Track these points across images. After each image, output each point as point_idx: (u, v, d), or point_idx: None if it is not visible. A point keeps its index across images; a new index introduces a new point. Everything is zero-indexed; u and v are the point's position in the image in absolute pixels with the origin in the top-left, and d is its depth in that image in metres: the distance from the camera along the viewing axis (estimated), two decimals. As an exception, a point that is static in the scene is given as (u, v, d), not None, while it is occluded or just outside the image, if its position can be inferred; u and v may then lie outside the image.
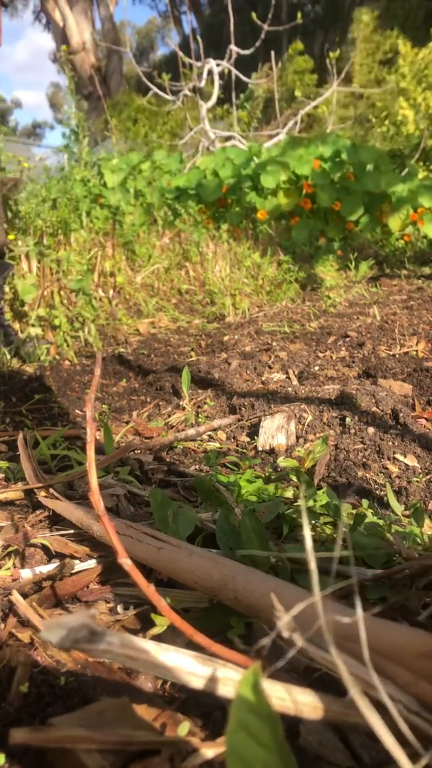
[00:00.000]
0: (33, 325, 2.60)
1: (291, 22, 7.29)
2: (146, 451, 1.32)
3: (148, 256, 3.61)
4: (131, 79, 17.50)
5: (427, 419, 1.39)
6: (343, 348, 1.99)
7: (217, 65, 6.88)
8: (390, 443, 1.25)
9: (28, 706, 0.53)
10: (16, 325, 2.64)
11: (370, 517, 0.90)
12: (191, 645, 0.51)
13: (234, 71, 6.96)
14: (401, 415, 1.35)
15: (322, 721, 0.43)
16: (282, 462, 1.19)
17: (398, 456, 1.21)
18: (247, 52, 6.95)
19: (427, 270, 3.96)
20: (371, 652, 0.44)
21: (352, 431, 1.31)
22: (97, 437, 1.34)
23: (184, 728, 0.49)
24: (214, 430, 1.43)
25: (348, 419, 1.35)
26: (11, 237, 2.82)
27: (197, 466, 1.24)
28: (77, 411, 1.66)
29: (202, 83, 6.91)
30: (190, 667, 0.44)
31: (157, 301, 3.19)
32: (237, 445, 1.37)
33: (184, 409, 1.59)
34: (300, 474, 0.96)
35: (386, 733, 0.35)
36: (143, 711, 0.51)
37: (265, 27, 7.00)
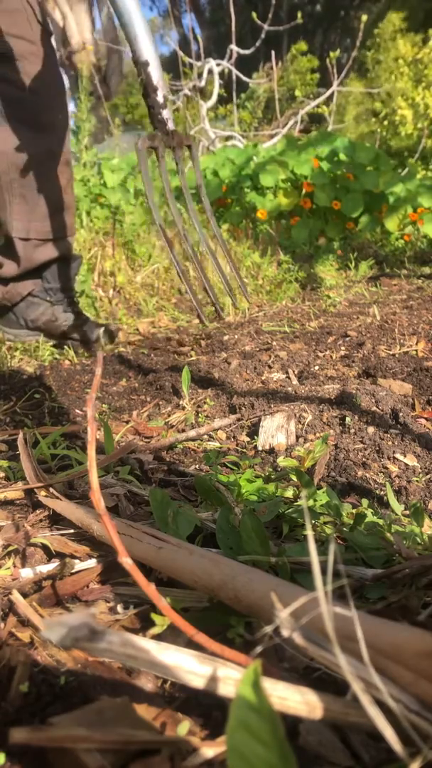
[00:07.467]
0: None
1: (291, 22, 7.30)
2: (146, 450, 1.32)
3: (148, 255, 3.61)
4: (132, 79, 17.49)
5: (426, 419, 1.39)
6: (343, 347, 1.99)
7: (218, 65, 6.88)
8: (390, 443, 1.25)
9: (28, 706, 0.53)
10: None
11: (370, 517, 0.90)
12: (191, 644, 0.51)
13: (234, 71, 6.96)
14: (401, 414, 1.35)
15: (322, 720, 0.43)
16: (282, 461, 1.19)
17: (398, 455, 1.21)
18: (247, 51, 6.96)
19: (427, 270, 3.95)
20: (371, 651, 0.44)
21: (352, 431, 1.31)
22: (97, 437, 1.34)
23: (184, 728, 0.49)
24: (215, 430, 1.43)
25: (348, 419, 1.35)
26: None
27: (197, 466, 1.24)
28: (77, 410, 1.66)
29: (203, 83, 6.91)
30: (190, 667, 0.44)
31: (157, 301, 3.18)
32: (237, 445, 1.37)
33: (184, 408, 1.59)
34: (300, 474, 0.96)
35: (387, 727, 0.35)
36: (143, 710, 0.51)
37: (266, 27, 7.01)
